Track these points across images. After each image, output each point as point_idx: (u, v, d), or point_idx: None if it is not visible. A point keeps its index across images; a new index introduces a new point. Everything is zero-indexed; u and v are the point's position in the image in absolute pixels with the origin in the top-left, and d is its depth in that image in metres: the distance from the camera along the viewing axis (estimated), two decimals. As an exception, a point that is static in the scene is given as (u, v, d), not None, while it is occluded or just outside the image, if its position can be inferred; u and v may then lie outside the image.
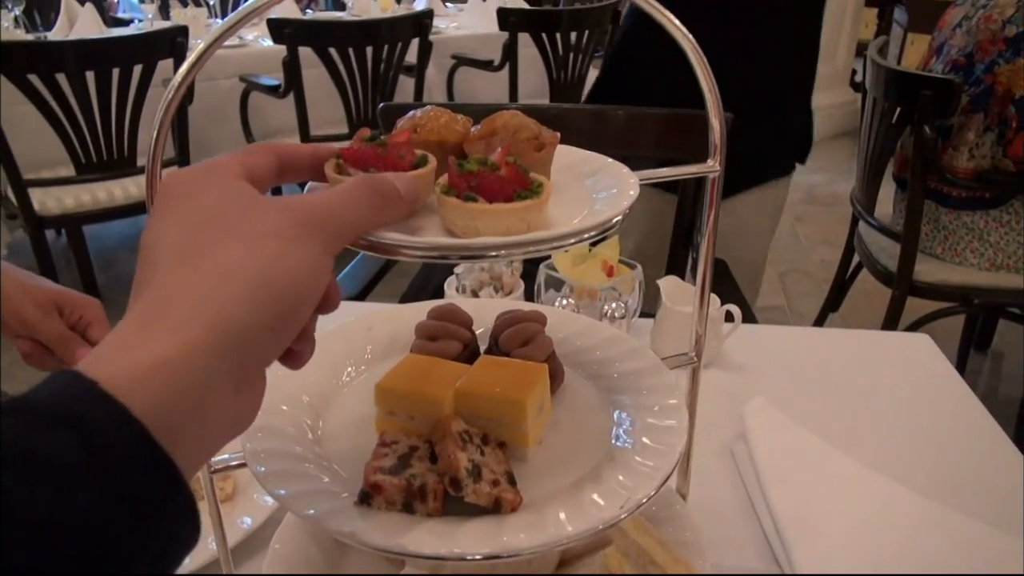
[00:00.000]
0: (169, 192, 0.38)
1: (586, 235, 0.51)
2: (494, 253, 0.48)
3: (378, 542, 0.50)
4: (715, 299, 1.06)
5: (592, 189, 0.58)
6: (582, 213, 0.55)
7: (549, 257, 1.16)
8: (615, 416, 0.65)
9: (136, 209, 2.72)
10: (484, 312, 0.76)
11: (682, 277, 1.16)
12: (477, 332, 0.73)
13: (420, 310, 0.75)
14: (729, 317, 1.12)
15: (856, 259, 2.57)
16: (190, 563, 0.73)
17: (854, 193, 2.47)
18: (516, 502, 0.54)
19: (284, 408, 0.63)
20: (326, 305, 0.42)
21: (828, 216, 4.05)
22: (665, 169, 0.64)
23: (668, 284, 1.11)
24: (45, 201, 2.52)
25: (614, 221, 0.53)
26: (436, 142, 0.61)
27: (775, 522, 0.81)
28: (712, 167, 0.64)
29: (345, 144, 0.52)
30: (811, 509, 0.82)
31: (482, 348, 0.71)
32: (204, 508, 0.43)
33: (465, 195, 0.50)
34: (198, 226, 0.36)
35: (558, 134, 0.62)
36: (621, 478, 0.55)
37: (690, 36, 0.59)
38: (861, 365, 1.15)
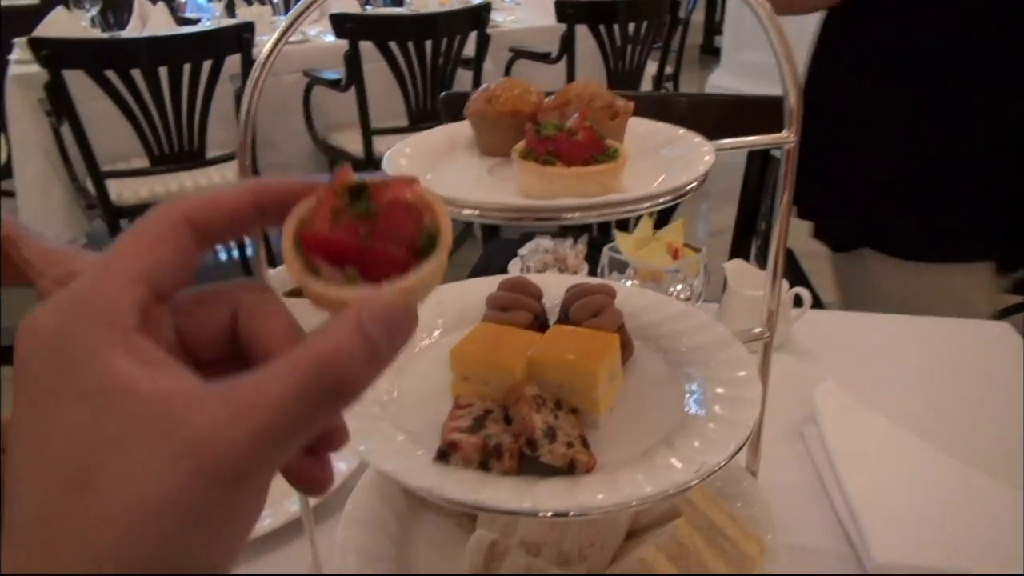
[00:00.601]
0: (22, 367, 0.26)
1: (662, 199, 0.51)
2: (572, 214, 0.49)
3: (455, 495, 0.51)
4: (783, 283, 1.05)
5: (666, 158, 0.59)
6: (657, 180, 0.55)
7: (624, 225, 1.17)
8: (686, 387, 0.65)
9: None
10: (552, 287, 0.76)
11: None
12: (546, 307, 0.73)
13: (489, 284, 0.76)
14: (798, 301, 1.10)
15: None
16: (270, 522, 0.76)
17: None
18: (591, 463, 0.55)
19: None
20: (331, 445, 0.33)
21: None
22: (740, 139, 0.63)
23: (734, 267, 1.10)
24: (121, 192, 2.63)
25: (689, 187, 0.53)
26: (511, 112, 0.62)
27: (848, 505, 0.80)
28: (787, 138, 0.63)
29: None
30: (886, 492, 0.80)
31: (552, 321, 0.71)
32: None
33: (544, 159, 0.51)
34: (51, 486, 0.24)
35: (631, 104, 0.62)
36: (697, 444, 0.55)
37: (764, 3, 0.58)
38: (936, 352, 1.12)
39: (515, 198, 0.51)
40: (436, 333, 0.74)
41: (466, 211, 0.49)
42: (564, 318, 0.69)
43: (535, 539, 0.68)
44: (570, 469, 0.54)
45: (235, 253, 3.38)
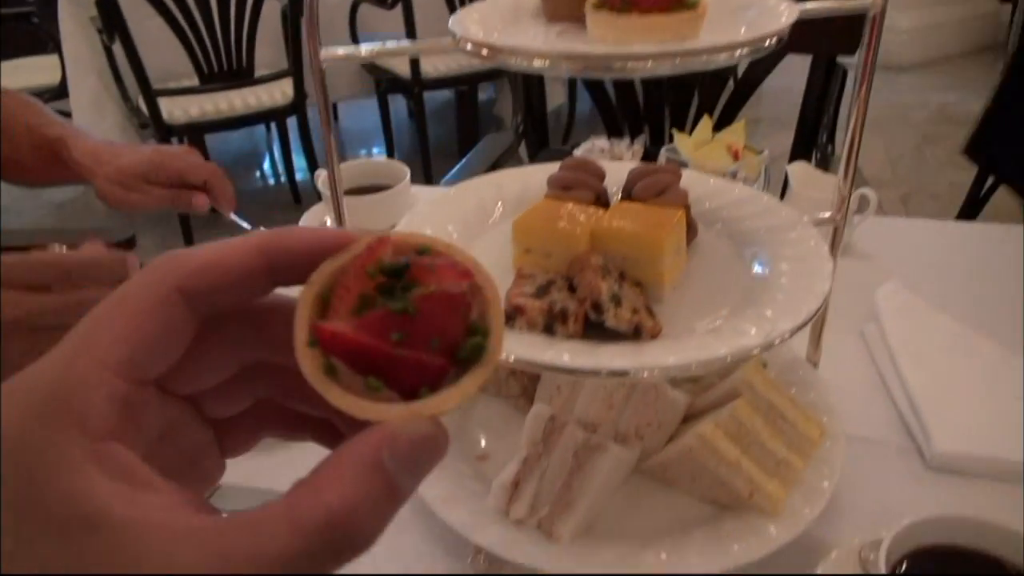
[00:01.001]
0: None
1: (742, 49, 0.49)
2: (645, 63, 0.47)
3: (519, 354, 0.51)
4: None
5: (746, 16, 0.56)
6: (738, 32, 0.53)
7: (683, 126, 1.13)
8: (753, 264, 0.64)
9: (254, 119, 2.83)
10: (614, 172, 0.75)
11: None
12: (609, 191, 0.72)
13: (549, 168, 0.74)
14: (863, 204, 1.06)
15: (991, 179, 2.37)
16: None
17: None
18: (657, 329, 0.54)
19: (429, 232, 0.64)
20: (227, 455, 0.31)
21: (960, 136, 3.75)
22: (822, 3, 0.60)
23: (797, 169, 1.07)
24: (172, 111, 2.65)
25: (769, 40, 0.50)
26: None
27: (910, 399, 0.78)
28: (874, 1, 0.59)
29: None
30: (948, 387, 0.78)
31: (614, 202, 0.70)
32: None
33: (619, 7, 0.49)
34: None
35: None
36: (768, 313, 0.54)
37: None
38: (1000, 259, 1.08)
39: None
40: (495, 216, 0.73)
41: (536, 62, 0.48)
42: (628, 197, 0.68)
43: (591, 419, 0.69)
44: (635, 334, 0.54)
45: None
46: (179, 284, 0.25)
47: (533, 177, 0.75)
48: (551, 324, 0.54)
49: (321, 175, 1.17)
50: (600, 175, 0.70)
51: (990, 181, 2.41)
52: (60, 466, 0.21)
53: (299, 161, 3.16)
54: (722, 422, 0.65)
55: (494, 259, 0.65)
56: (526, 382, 0.75)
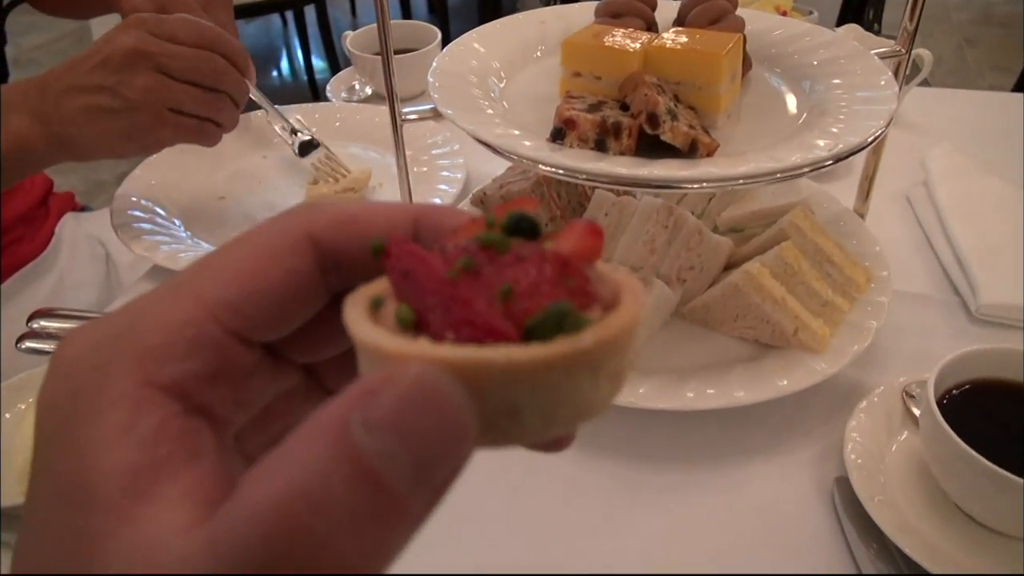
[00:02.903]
0: (40, 402, 0.19)
1: None
2: None
3: (570, 165, 0.49)
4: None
5: None
6: None
7: None
8: (813, 95, 0.61)
9: (270, 7, 2.74)
10: (665, 5, 0.71)
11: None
12: (659, 24, 0.68)
13: (593, 6, 0.71)
14: (914, 71, 1.02)
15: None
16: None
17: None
18: (713, 146, 0.52)
19: (474, 64, 0.62)
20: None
21: (1003, 39, 3.59)
22: None
23: (848, 31, 1.02)
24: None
25: None
26: None
27: (957, 255, 0.76)
28: None
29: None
30: (996, 244, 0.76)
31: (663, 37, 0.67)
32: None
33: None
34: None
35: None
36: (835, 129, 0.52)
37: None
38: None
39: None
40: (537, 53, 0.70)
41: None
42: (680, 25, 0.64)
43: (632, 263, 0.67)
44: (691, 151, 0.52)
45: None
46: (311, 230, 0.20)
47: (578, 14, 0.71)
48: (603, 140, 0.52)
49: (348, 36, 1.13)
50: (652, 3, 0.66)
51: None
52: (84, 417, 0.17)
53: (317, 62, 3.08)
54: (768, 262, 0.64)
55: (539, 92, 0.63)
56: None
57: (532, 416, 0.17)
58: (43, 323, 0.70)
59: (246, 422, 0.21)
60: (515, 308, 0.17)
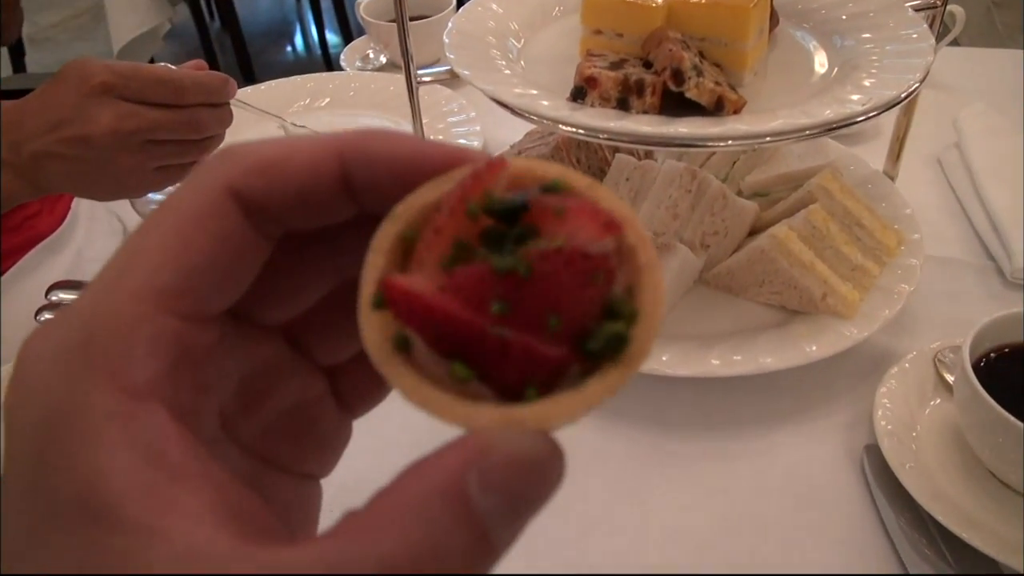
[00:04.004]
0: (6, 413, 0.17)
1: None
2: None
3: (592, 124, 0.48)
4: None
5: None
6: None
7: None
8: (844, 51, 0.58)
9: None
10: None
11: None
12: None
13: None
14: (945, 29, 0.98)
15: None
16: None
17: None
18: (740, 102, 0.50)
19: (491, 25, 0.60)
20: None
21: (1034, 2, 3.48)
22: None
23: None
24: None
25: None
26: None
27: (992, 219, 0.74)
28: None
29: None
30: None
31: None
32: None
33: None
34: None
35: None
36: (868, 83, 0.50)
37: None
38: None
39: None
40: (556, 12, 0.68)
41: None
42: (704, -19, 0.62)
43: (655, 227, 0.66)
44: (717, 108, 0.50)
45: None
46: (230, 184, 0.19)
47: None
48: (626, 98, 0.50)
49: (362, 3, 1.12)
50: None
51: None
52: (77, 437, 0.16)
53: (331, 37, 3.05)
54: (796, 226, 0.62)
55: (559, 51, 0.61)
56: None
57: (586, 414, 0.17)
58: (62, 295, 0.70)
59: (235, 409, 0.21)
60: (561, 329, 0.17)
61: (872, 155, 0.77)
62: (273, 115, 0.86)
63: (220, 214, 0.18)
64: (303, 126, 0.89)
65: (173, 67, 0.66)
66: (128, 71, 0.62)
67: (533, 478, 0.16)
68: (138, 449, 0.16)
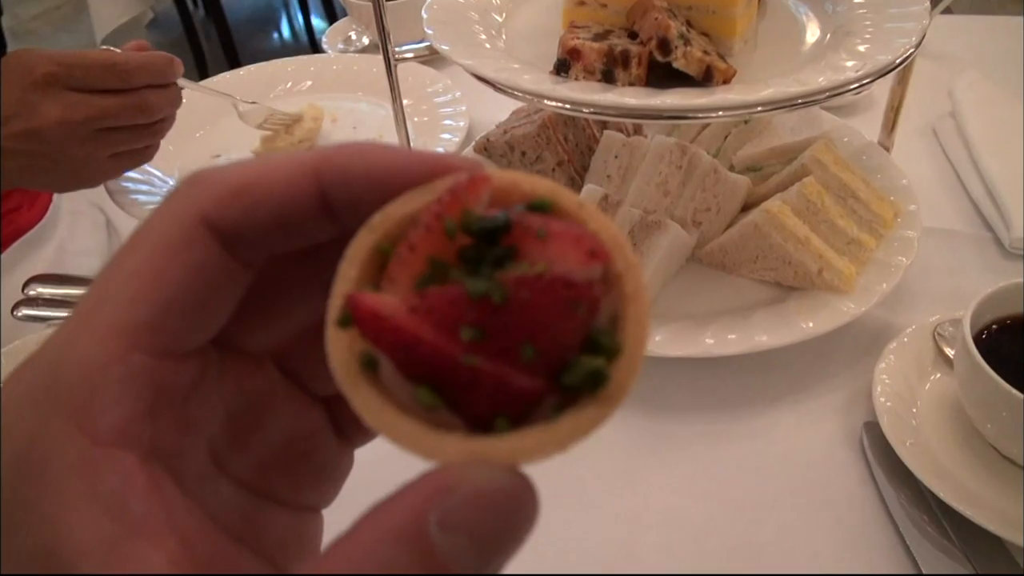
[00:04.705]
0: None
1: None
2: None
3: (576, 97, 0.46)
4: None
5: None
6: None
7: None
8: (837, 16, 0.56)
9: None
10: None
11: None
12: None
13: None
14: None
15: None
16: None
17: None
18: (730, 72, 0.48)
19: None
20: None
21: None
22: None
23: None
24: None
25: None
26: None
27: (989, 188, 0.72)
28: None
29: None
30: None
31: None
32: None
33: None
34: None
35: None
36: (863, 48, 0.48)
37: None
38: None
39: None
40: (538, -13, 0.66)
41: None
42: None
43: (645, 205, 0.64)
44: (706, 78, 0.48)
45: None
46: (203, 213, 0.18)
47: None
48: (611, 70, 0.48)
49: (343, -17, 1.09)
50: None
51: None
52: (40, 488, 0.16)
53: (318, 23, 3.01)
54: (790, 200, 0.60)
55: (542, 25, 0.59)
56: (573, 172, 0.70)
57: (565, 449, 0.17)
58: (40, 289, 0.68)
59: (225, 443, 0.19)
60: (536, 360, 0.16)
61: (865, 126, 0.75)
62: (223, 94, 0.84)
63: (193, 244, 0.17)
64: (254, 102, 0.86)
65: (116, 50, 0.65)
66: (71, 59, 0.61)
67: (499, 516, 0.15)
68: (100, 501, 0.15)
